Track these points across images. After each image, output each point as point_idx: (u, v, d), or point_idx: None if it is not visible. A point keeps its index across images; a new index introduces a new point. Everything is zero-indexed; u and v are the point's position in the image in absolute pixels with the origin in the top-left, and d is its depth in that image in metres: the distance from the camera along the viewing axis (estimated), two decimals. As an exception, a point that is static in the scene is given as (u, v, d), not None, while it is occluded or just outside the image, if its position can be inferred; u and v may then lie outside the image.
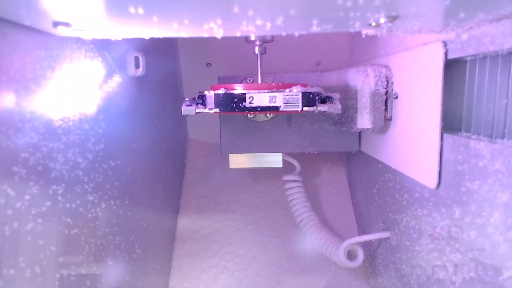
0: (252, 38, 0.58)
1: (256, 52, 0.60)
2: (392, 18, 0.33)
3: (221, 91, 0.51)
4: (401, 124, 0.54)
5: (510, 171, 0.33)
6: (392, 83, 0.56)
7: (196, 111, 0.52)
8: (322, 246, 0.72)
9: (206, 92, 0.51)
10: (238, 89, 0.51)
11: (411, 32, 0.39)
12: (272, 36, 0.59)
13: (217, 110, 0.51)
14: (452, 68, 0.43)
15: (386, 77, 0.56)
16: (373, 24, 0.34)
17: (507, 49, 0.34)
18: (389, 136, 0.58)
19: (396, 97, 0.55)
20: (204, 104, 0.52)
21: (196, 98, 0.53)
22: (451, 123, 0.44)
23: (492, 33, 0.35)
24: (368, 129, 0.57)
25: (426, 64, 0.45)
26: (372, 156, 0.66)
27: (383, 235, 0.63)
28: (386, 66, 0.57)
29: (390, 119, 0.57)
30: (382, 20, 0.33)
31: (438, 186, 0.44)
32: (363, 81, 0.55)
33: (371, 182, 0.71)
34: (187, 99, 0.53)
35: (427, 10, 0.32)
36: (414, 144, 0.49)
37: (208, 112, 0.52)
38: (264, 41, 0.59)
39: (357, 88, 0.56)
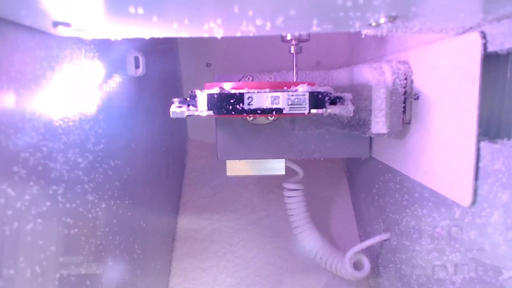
0: (288, 37, 0.55)
1: (292, 51, 0.56)
2: (392, 18, 0.33)
3: (215, 90, 0.44)
4: (423, 129, 0.47)
5: None
6: (412, 81, 0.50)
7: (187, 114, 0.45)
8: (326, 262, 0.71)
9: (197, 92, 0.44)
10: (235, 88, 0.45)
11: (411, 32, 0.39)
12: (308, 35, 0.56)
13: (211, 112, 0.44)
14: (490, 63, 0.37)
15: (405, 75, 0.49)
16: (373, 24, 0.34)
17: (507, 49, 0.34)
18: (408, 142, 0.51)
19: (417, 98, 0.48)
20: (196, 105, 0.45)
21: (188, 98, 0.47)
22: (493, 128, 0.37)
23: (492, 33, 0.35)
24: (383, 134, 0.51)
25: (458, 59, 0.39)
26: (387, 164, 0.60)
27: (383, 237, 0.62)
28: (404, 62, 0.51)
29: (409, 123, 0.51)
30: (382, 20, 0.33)
31: (473, 204, 0.37)
32: (378, 79, 0.49)
33: (371, 182, 0.71)
34: (176, 100, 0.47)
35: (427, 10, 0.32)
36: (441, 153, 0.43)
37: (201, 115, 0.45)
38: (300, 40, 0.55)
39: (372, 87, 0.49)
